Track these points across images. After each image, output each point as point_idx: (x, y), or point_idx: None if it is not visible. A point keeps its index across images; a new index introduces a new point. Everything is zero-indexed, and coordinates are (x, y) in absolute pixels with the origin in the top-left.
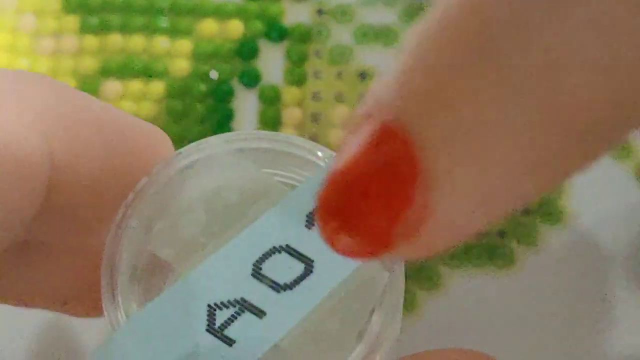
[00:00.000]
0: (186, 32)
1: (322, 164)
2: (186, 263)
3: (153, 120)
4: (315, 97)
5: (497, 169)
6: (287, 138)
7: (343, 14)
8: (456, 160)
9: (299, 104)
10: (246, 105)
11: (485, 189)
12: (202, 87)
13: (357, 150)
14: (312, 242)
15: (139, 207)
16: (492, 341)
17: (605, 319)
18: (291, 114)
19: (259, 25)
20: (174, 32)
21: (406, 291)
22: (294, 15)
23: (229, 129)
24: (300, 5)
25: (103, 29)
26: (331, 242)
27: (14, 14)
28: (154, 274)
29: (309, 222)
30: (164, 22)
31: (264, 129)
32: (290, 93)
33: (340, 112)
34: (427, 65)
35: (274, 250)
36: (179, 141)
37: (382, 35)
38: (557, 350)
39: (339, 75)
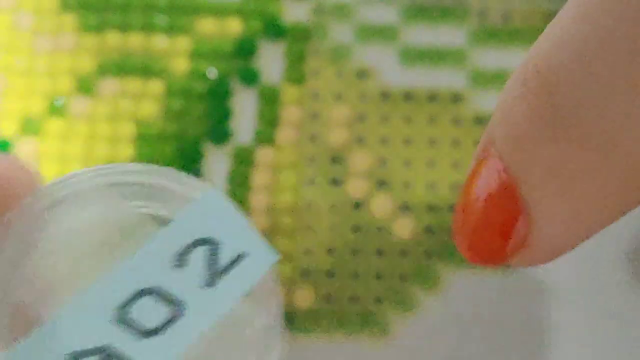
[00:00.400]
0: (185, 31)
1: (196, 198)
2: (51, 306)
3: (152, 119)
4: (315, 95)
5: (578, 201)
6: (162, 171)
7: (342, 13)
8: (546, 194)
9: (298, 102)
10: (245, 104)
11: (566, 215)
12: (201, 85)
13: (482, 195)
14: (183, 283)
15: (0, 247)
16: (490, 340)
17: (604, 317)
18: (290, 112)
19: (257, 24)
20: (172, 30)
21: (404, 292)
22: (293, 14)
23: (228, 128)
24: (299, 3)
25: (101, 27)
26: (467, 257)
27: (12, 12)
28: (17, 318)
29: (180, 262)
30: (162, 20)
31: (263, 128)
32: (289, 92)
33: (339, 110)
34: (519, 135)
35: (142, 293)
36: (178, 140)
37: (381, 34)
38: (554, 351)
39: (338, 73)
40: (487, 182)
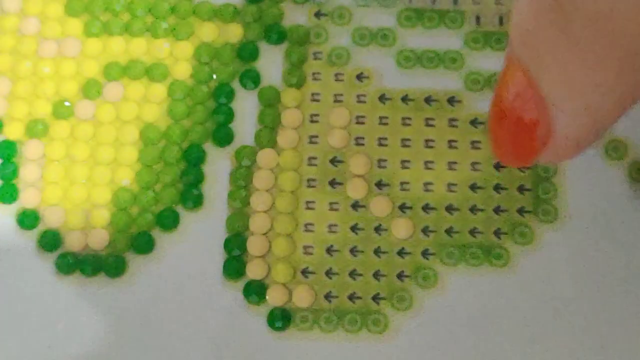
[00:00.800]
0: (187, 36)
1: None
2: None
3: (155, 123)
4: (314, 98)
5: (585, 92)
6: None
7: (341, 16)
8: (557, 87)
9: (298, 105)
10: (246, 106)
11: (578, 107)
12: (203, 89)
13: (511, 96)
14: None
15: None
16: (489, 340)
17: (602, 317)
18: (290, 115)
19: (258, 28)
20: (175, 35)
21: (404, 290)
22: (293, 18)
23: (230, 130)
24: (299, 7)
25: (105, 32)
26: (500, 159)
27: (17, 17)
28: None
29: None
30: (165, 25)
31: (263, 130)
32: (289, 94)
33: (338, 113)
34: (528, 30)
35: None
36: (182, 142)
37: (380, 37)
38: (554, 350)
39: (338, 76)
40: (513, 85)
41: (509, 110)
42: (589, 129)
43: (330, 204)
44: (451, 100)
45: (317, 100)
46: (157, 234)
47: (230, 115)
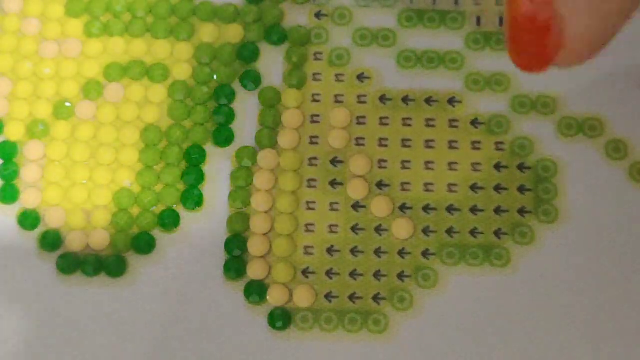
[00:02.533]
0: (187, 36)
1: None
2: None
3: (156, 124)
4: (315, 98)
5: None
6: None
7: (342, 17)
8: None
9: (299, 105)
10: (247, 107)
11: (585, 8)
12: (204, 89)
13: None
14: None
15: None
16: (488, 340)
17: (602, 317)
18: (291, 115)
19: (259, 29)
20: (175, 36)
21: (404, 290)
22: (294, 19)
23: (230, 131)
24: (300, 8)
25: (106, 33)
26: (519, 65)
27: (18, 17)
28: None
29: None
30: (165, 26)
31: (264, 131)
32: (290, 95)
33: (339, 113)
34: None
35: None
36: (182, 143)
37: (380, 38)
38: (554, 349)
39: (338, 77)
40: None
41: (521, 15)
42: (598, 30)
43: (331, 204)
44: (451, 101)
45: (318, 101)
46: (158, 234)
47: (230, 116)
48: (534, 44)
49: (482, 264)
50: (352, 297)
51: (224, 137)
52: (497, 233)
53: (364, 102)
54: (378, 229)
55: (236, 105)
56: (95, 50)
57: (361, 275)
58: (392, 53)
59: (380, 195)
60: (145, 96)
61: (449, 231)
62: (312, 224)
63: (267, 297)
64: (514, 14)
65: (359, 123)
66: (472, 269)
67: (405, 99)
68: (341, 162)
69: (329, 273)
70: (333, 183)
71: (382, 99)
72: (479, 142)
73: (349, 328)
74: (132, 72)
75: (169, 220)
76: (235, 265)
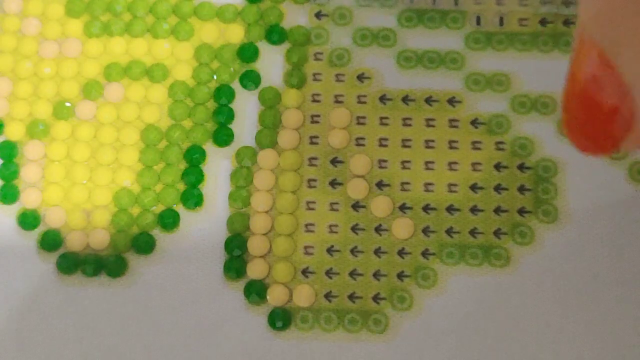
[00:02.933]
0: (188, 36)
1: None
2: None
3: (156, 124)
4: (315, 98)
5: None
6: None
7: (342, 17)
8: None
9: (299, 105)
10: (247, 107)
11: None
12: (204, 89)
13: (588, 77)
14: None
15: None
16: (488, 340)
17: (602, 317)
18: (291, 115)
19: (259, 29)
20: (175, 36)
21: (404, 290)
22: (294, 18)
23: (230, 131)
24: (300, 8)
25: (106, 33)
26: (576, 145)
27: (18, 17)
28: None
29: None
30: (165, 26)
31: (264, 131)
32: (290, 95)
33: (339, 113)
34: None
35: None
36: (182, 143)
37: (381, 38)
38: (554, 349)
39: (338, 77)
40: (588, 66)
41: (584, 92)
42: None
43: (331, 204)
44: (452, 101)
45: (318, 101)
46: (158, 234)
47: (230, 115)
48: (595, 128)
49: (482, 263)
50: (352, 297)
51: (224, 137)
52: (497, 233)
53: (364, 102)
54: (378, 229)
55: (236, 105)
56: (95, 50)
57: (361, 275)
58: (392, 53)
59: (380, 195)
60: (145, 96)
61: (449, 231)
62: (312, 224)
63: (267, 297)
64: (571, 91)
65: (359, 123)
66: (471, 269)
67: (405, 99)
68: (341, 162)
69: (328, 273)
70: (333, 183)
71: (382, 99)
72: (479, 142)
73: (349, 328)
74: (132, 72)
75: (169, 220)
76: (235, 265)
